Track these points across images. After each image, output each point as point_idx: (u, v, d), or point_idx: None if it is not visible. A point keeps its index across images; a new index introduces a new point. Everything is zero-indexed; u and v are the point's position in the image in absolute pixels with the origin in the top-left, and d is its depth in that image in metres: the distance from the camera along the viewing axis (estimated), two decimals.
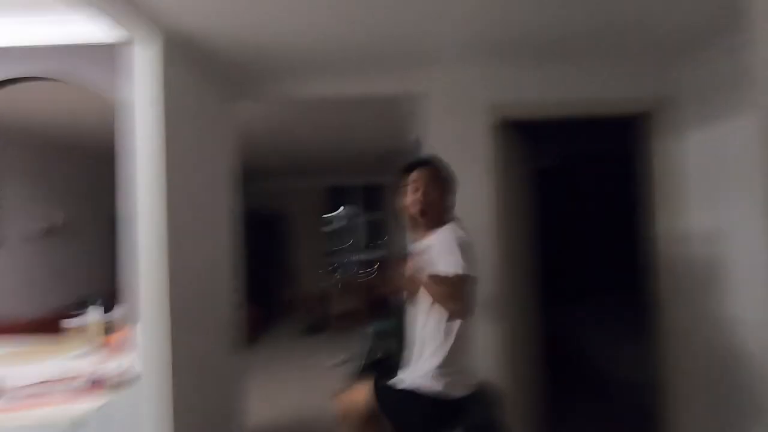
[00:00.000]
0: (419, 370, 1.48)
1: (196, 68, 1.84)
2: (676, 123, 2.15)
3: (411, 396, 1.45)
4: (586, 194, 4.79)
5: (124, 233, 5.17)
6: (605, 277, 4.42)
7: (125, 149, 1.56)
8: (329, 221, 8.32)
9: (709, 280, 2.04)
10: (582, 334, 3.74)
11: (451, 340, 1.44)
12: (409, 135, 4.15)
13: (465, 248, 1.36)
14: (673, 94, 2.15)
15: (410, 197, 1.51)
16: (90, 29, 1.72)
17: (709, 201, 2.03)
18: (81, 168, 5.07)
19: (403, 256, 1.61)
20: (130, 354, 2.14)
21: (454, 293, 1.30)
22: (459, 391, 1.45)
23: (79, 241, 4.97)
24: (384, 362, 3.58)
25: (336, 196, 8.29)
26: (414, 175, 1.52)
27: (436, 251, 1.42)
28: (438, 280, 1.34)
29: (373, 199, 8.22)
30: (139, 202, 1.54)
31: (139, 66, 1.55)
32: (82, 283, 4.99)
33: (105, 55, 1.79)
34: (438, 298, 1.36)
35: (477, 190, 2.13)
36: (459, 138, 2.18)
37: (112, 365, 1.98)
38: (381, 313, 5.66)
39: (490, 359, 2.08)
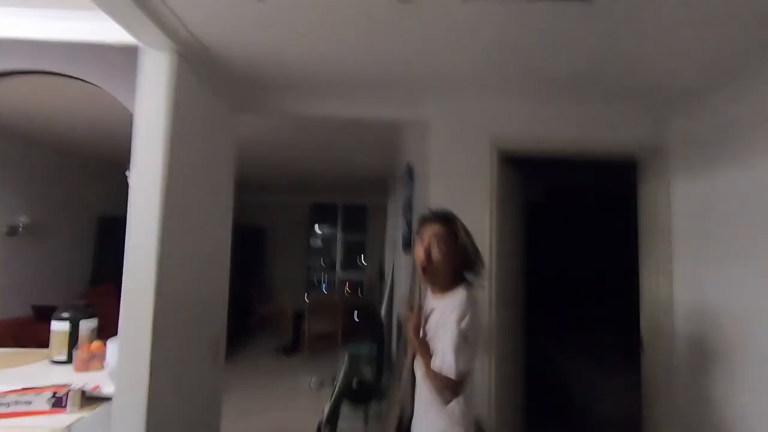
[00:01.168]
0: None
1: (205, 78, 1.80)
2: (665, 171, 2.23)
3: None
4: (573, 230, 4.91)
5: (97, 240, 4.90)
6: (588, 313, 4.50)
7: (130, 154, 1.51)
8: (310, 238, 8.21)
9: (690, 324, 2.09)
10: (565, 366, 3.75)
11: (460, 402, 1.37)
12: (401, 161, 4.18)
13: (467, 336, 1.32)
14: (664, 142, 2.24)
15: (418, 251, 1.47)
16: (102, 29, 1.68)
17: (692, 249, 2.10)
18: (53, 168, 4.86)
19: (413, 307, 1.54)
20: (100, 371, 2.01)
21: (445, 390, 1.32)
22: None
23: (45, 244, 4.71)
24: (361, 390, 3.49)
25: (318, 214, 8.21)
26: (424, 229, 1.48)
27: (440, 327, 1.38)
28: (434, 374, 1.33)
29: (355, 219, 8.19)
30: (134, 210, 1.47)
31: (149, 72, 1.50)
32: (48, 290, 4.71)
33: (116, 56, 1.75)
34: (432, 384, 1.35)
35: (473, 220, 2.14)
36: (457, 167, 2.20)
37: (79, 381, 1.84)
38: (357, 337, 5.56)
39: (479, 388, 2.05)
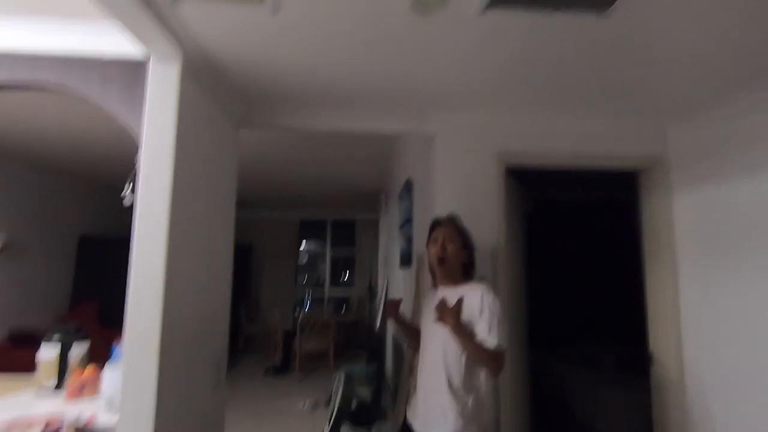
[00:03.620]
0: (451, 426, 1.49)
1: (211, 92, 1.76)
2: (666, 182, 2.27)
3: None
4: (563, 241, 4.96)
5: (78, 259, 4.69)
6: (587, 325, 4.52)
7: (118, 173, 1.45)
8: (298, 255, 8.08)
9: (698, 339, 2.10)
10: (563, 380, 3.73)
11: (482, 391, 1.55)
12: (397, 177, 4.17)
13: (501, 316, 1.53)
14: (666, 153, 2.29)
15: (432, 248, 1.70)
16: (99, 42, 1.64)
17: (698, 261, 2.13)
18: (32, 186, 4.67)
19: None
20: (93, 399, 1.89)
21: (500, 364, 1.49)
22: None
23: (23, 265, 4.49)
24: (361, 411, 3.39)
25: (306, 230, 8.11)
26: (436, 230, 1.74)
27: (477, 313, 1.54)
28: (481, 349, 1.48)
29: (344, 235, 8.11)
30: (140, 231, 1.40)
31: (157, 86, 1.45)
32: (25, 313, 4.48)
33: (114, 71, 1.70)
34: (484, 363, 1.51)
35: (480, 234, 2.14)
36: (463, 181, 2.20)
37: (72, 412, 1.72)
38: (350, 356, 5.44)
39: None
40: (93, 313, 4.81)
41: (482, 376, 1.55)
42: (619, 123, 2.27)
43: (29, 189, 4.63)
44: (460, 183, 2.19)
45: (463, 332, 1.48)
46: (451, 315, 1.48)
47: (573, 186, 4.61)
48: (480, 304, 1.52)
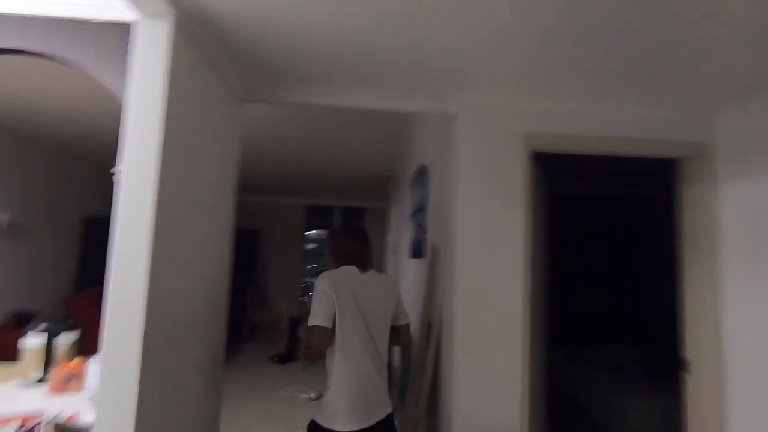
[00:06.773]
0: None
1: (210, 58, 1.57)
2: (711, 173, 2.04)
3: None
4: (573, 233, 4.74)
5: (83, 241, 4.56)
6: (604, 325, 4.33)
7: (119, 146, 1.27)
8: (305, 241, 7.94)
9: (742, 347, 1.90)
10: (580, 383, 3.55)
11: (335, 377, 1.71)
12: (409, 163, 3.97)
13: (315, 296, 1.73)
14: (711, 141, 2.05)
15: None
16: (90, 3, 1.46)
17: (742, 259, 1.92)
18: (38, 165, 4.55)
19: None
20: (79, 393, 1.76)
21: (311, 336, 1.69)
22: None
23: (27, 246, 4.40)
24: None
25: (314, 216, 7.96)
26: None
27: None
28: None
29: (352, 223, 7.95)
30: (123, 209, 1.24)
31: (144, 47, 1.27)
32: (29, 295, 4.40)
33: (103, 34, 1.52)
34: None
35: (503, 219, 1.97)
36: (486, 163, 2.01)
37: (53, 407, 1.59)
38: None
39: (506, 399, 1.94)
40: (97, 297, 4.73)
41: (335, 364, 1.70)
42: (661, 107, 2.03)
43: (34, 169, 4.52)
44: (484, 167, 1.99)
45: None
46: None
47: (595, 178, 4.37)
48: None
